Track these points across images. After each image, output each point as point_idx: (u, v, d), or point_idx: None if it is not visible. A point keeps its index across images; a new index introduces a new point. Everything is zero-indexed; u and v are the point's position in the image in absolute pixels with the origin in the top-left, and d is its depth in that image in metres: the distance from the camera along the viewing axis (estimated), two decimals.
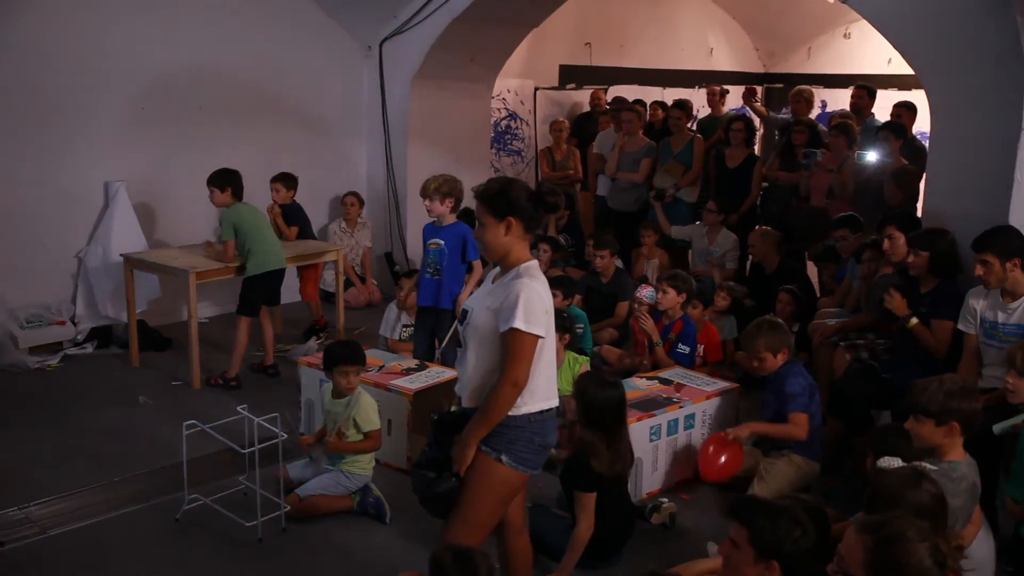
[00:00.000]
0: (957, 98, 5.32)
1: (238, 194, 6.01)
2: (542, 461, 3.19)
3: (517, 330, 2.96)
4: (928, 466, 3.11)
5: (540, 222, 3.22)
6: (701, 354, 5.82)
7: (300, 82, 7.93)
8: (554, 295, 6.09)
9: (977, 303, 4.41)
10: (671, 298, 5.75)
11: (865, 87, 8.12)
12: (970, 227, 4.66)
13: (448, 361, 5.42)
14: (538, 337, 3.01)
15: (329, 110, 8.23)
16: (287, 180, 7.18)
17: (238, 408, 4.24)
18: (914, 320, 4.75)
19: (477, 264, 5.51)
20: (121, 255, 6.31)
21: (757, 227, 7.15)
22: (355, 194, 8.17)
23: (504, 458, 3.06)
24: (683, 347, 5.67)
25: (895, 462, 3.13)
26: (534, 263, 3.14)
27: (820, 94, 11.34)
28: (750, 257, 7.40)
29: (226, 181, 5.98)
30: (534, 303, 3.00)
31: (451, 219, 5.49)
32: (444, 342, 5.54)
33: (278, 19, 7.71)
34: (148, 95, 6.98)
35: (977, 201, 4.83)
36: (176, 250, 6.54)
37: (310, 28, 7.96)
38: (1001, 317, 4.29)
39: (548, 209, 3.18)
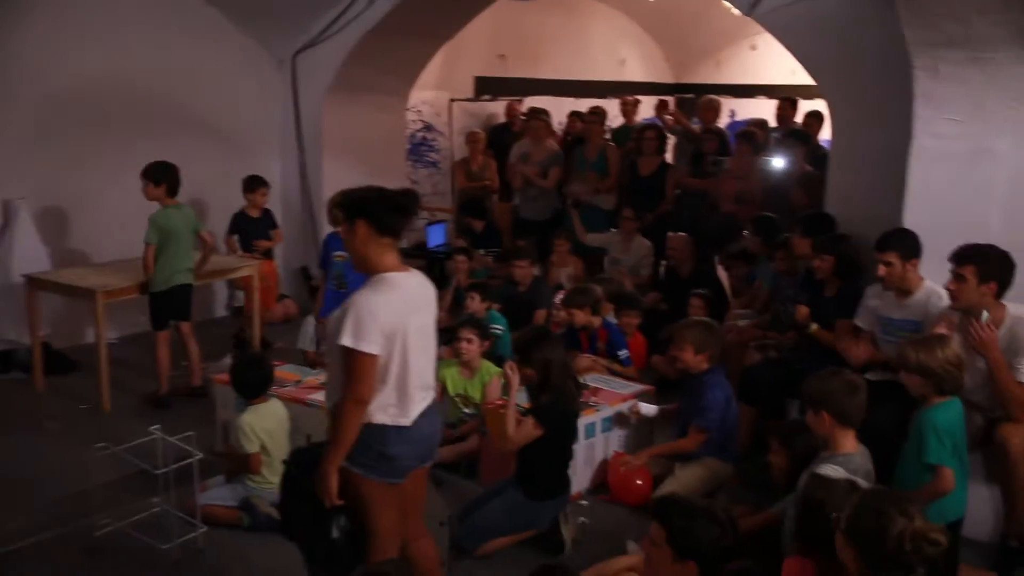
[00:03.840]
0: (854, 107, 5.56)
1: (173, 192, 5.69)
2: (395, 471, 3.10)
3: (346, 347, 2.91)
4: (862, 483, 3.21)
5: (396, 224, 3.07)
6: None
7: (211, 96, 7.81)
8: (471, 297, 6.25)
9: (873, 301, 4.59)
10: (581, 316, 5.80)
11: (788, 98, 8.41)
12: (868, 230, 4.87)
13: None
14: (367, 354, 2.91)
15: (242, 124, 8.11)
16: (265, 183, 7.21)
17: (150, 428, 4.14)
18: (814, 326, 4.91)
19: None
20: (23, 275, 6.09)
21: (677, 233, 7.24)
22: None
23: (346, 463, 3.03)
24: (622, 352, 5.73)
25: (837, 472, 3.22)
26: (391, 273, 3.04)
27: (729, 103, 11.66)
28: (662, 263, 7.55)
29: (161, 176, 5.64)
30: (364, 318, 2.90)
31: None
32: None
33: (187, 32, 7.58)
34: (52, 108, 6.76)
35: (874, 205, 5.03)
36: (84, 269, 6.36)
37: (221, 41, 7.85)
38: (896, 314, 4.47)
39: (399, 209, 3.07)
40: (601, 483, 4.73)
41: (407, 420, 3.08)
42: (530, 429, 3.91)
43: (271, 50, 8.18)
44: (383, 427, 3.05)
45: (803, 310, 4.97)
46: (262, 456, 4.29)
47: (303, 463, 3.15)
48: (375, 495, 3.09)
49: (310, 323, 6.23)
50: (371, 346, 2.91)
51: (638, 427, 4.92)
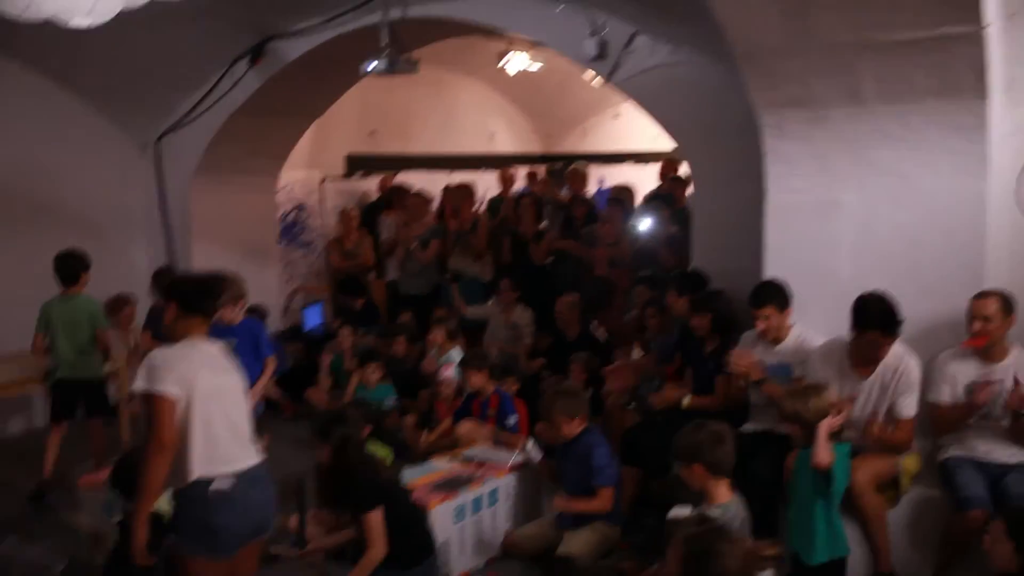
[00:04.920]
0: (712, 167, 5.84)
1: (63, 281, 5.72)
2: (221, 545, 3.20)
3: (142, 392, 3.14)
4: (714, 510, 3.28)
5: (201, 304, 3.46)
6: None
7: (70, 184, 7.56)
8: (372, 369, 6.18)
9: (749, 349, 4.73)
10: (478, 378, 5.78)
11: (672, 159, 8.69)
12: (734, 283, 5.06)
13: None
14: (163, 396, 3.11)
15: (104, 211, 7.85)
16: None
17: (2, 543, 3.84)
18: (687, 399, 5.04)
19: (270, 361, 5.38)
20: None
21: (564, 296, 7.30)
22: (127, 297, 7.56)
23: (174, 536, 3.16)
24: (511, 418, 5.70)
25: (684, 511, 3.27)
26: (191, 339, 3.35)
27: (598, 170, 12.01)
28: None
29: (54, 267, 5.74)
30: (157, 365, 3.18)
31: (241, 316, 5.36)
32: None
33: (44, 119, 7.35)
34: None
35: (737, 259, 5.25)
36: None
37: (79, 126, 7.64)
38: (770, 359, 4.63)
39: (202, 290, 3.49)
40: (491, 559, 4.66)
41: (225, 469, 3.23)
42: (377, 523, 3.82)
43: (133, 134, 7.99)
44: (204, 490, 3.15)
45: (662, 398, 5.10)
46: None
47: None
48: (200, 569, 3.17)
49: None
50: (164, 387, 3.13)
51: (527, 498, 4.87)
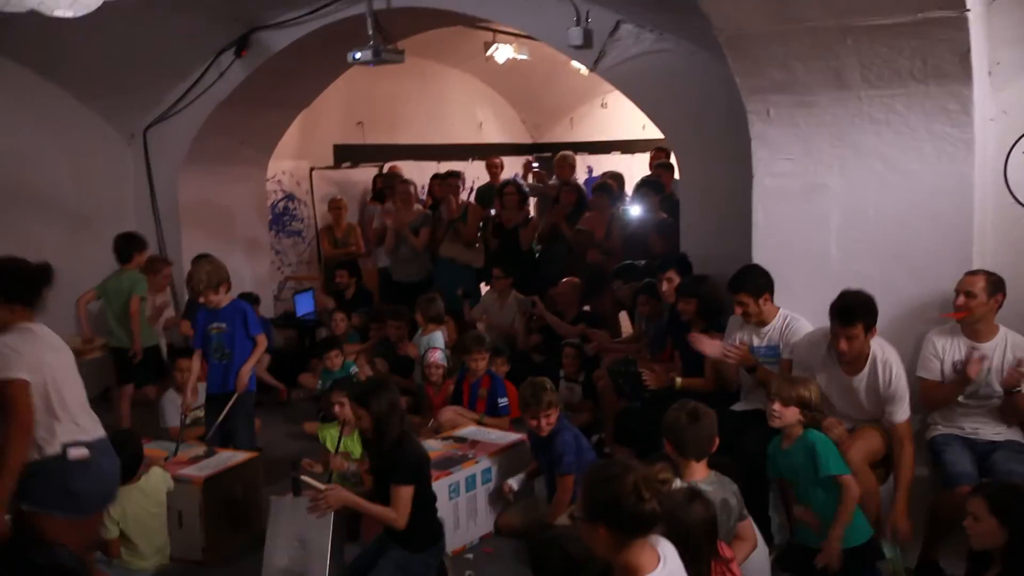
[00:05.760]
0: (698, 153, 5.90)
1: (118, 259, 6.41)
2: (80, 507, 3.43)
3: None
4: (704, 487, 3.31)
5: (26, 294, 3.51)
6: None
7: (58, 175, 7.54)
8: (334, 355, 6.35)
9: (737, 332, 4.80)
10: (483, 362, 5.85)
11: (663, 149, 8.71)
12: (723, 267, 5.11)
13: (227, 439, 5.25)
14: (18, 381, 3.28)
15: (92, 202, 7.83)
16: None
17: None
18: (679, 380, 5.06)
19: (261, 338, 5.41)
20: None
21: (566, 279, 7.37)
22: (165, 258, 7.45)
23: (26, 506, 3.32)
24: (502, 400, 5.79)
25: (676, 483, 3.31)
26: (22, 325, 3.44)
27: (585, 160, 12.08)
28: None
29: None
30: (5, 353, 3.32)
31: (227, 299, 5.39)
32: (219, 419, 5.27)
33: (30, 112, 7.32)
34: None
35: (725, 244, 5.31)
36: None
37: (64, 118, 7.60)
38: (755, 341, 4.70)
39: (28, 280, 3.53)
40: (485, 535, 4.73)
41: (82, 438, 3.46)
42: (407, 498, 3.80)
43: (119, 125, 7.98)
44: (62, 460, 3.39)
45: (654, 376, 5.12)
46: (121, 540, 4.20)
47: None
48: (59, 532, 3.32)
49: (171, 399, 5.98)
50: (18, 372, 3.29)
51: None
